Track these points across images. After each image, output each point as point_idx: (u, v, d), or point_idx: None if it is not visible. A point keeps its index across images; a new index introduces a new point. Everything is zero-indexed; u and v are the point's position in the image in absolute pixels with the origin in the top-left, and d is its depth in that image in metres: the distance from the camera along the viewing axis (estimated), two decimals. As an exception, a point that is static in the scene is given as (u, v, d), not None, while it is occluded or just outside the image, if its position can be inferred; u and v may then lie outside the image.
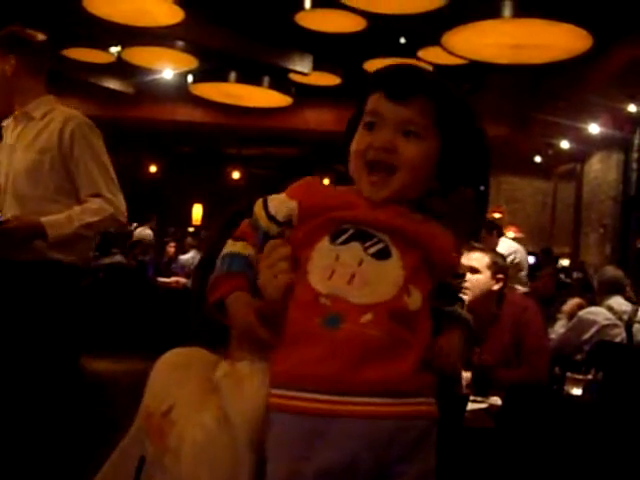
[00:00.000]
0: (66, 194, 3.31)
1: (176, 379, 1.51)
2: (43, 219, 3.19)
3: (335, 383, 1.29)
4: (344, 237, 1.38)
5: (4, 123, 3.52)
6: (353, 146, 1.47)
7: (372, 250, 1.37)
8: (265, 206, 1.44)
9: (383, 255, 1.37)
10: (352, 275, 1.35)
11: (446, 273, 1.46)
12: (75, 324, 3.36)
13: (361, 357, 1.30)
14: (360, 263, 1.36)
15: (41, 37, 3.72)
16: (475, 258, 3.70)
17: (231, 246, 1.44)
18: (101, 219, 3.29)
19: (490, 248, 5.97)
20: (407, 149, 1.42)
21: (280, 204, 1.43)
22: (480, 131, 1.57)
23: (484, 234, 7.89)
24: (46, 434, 3.04)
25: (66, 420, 3.11)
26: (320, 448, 1.29)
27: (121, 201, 3.37)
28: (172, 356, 1.57)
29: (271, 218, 1.43)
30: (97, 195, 3.30)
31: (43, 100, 3.41)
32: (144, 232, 13.09)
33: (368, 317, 1.32)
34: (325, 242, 1.38)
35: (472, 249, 3.75)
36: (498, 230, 8.13)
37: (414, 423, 1.32)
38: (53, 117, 3.35)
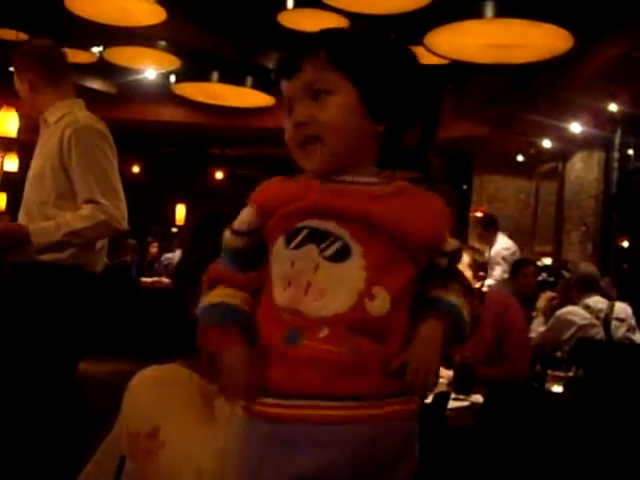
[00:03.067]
0: (67, 200, 3.28)
1: (157, 397, 1.46)
2: (31, 226, 3.19)
3: (294, 392, 1.23)
4: (298, 239, 1.28)
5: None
6: (285, 136, 1.39)
7: (328, 252, 1.26)
8: (230, 228, 1.34)
9: (341, 256, 1.26)
10: (308, 284, 1.26)
11: (431, 252, 1.33)
12: (77, 326, 3.31)
13: (323, 376, 1.22)
14: (316, 269, 1.26)
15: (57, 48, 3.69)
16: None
17: (212, 297, 1.32)
18: (90, 226, 3.20)
19: (489, 243, 6.01)
20: (321, 110, 1.33)
21: (241, 216, 1.34)
22: (404, 59, 1.41)
23: (481, 230, 7.93)
24: (32, 435, 3.02)
25: (53, 421, 3.09)
26: (292, 454, 1.23)
27: (118, 208, 3.29)
28: (149, 373, 1.53)
29: (235, 233, 1.33)
30: (90, 201, 3.23)
31: (61, 105, 3.43)
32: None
33: (325, 332, 1.24)
34: (280, 245, 1.29)
35: None
36: (495, 226, 8.16)
37: (400, 424, 1.27)
38: (62, 122, 3.35)
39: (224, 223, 1.54)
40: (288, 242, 1.28)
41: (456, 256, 1.37)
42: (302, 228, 1.28)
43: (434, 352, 1.28)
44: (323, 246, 1.27)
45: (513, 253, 8.19)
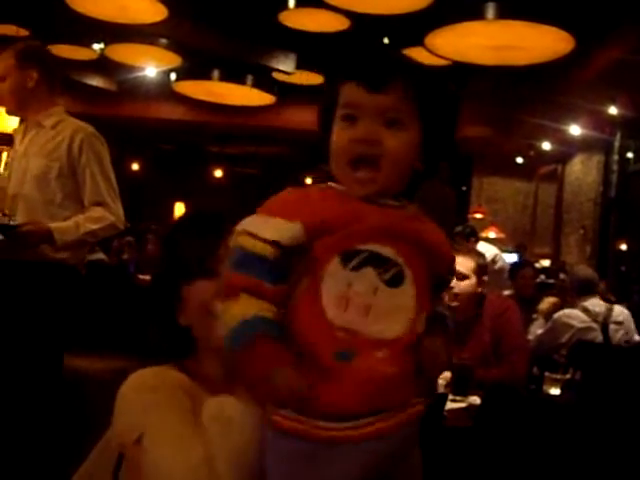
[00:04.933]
0: (73, 200, 3.46)
1: (143, 404, 1.44)
2: (52, 225, 3.33)
3: (342, 412, 1.24)
4: (357, 261, 1.28)
5: (13, 130, 3.77)
6: (334, 142, 1.36)
7: (386, 276, 1.29)
8: (255, 235, 1.26)
9: (397, 281, 1.30)
10: (368, 306, 1.27)
11: (444, 270, 1.40)
12: (69, 323, 3.45)
13: (373, 393, 1.25)
14: (375, 292, 1.28)
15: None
16: (461, 263, 3.66)
17: (245, 309, 1.23)
18: (102, 227, 3.44)
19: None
20: (391, 140, 1.32)
21: (283, 229, 1.26)
22: (456, 110, 1.47)
23: (460, 241, 7.85)
24: (26, 432, 3.04)
25: (46, 418, 3.12)
26: (325, 470, 1.25)
27: (120, 209, 3.52)
28: (138, 378, 1.51)
29: (277, 245, 1.25)
30: (100, 203, 3.45)
31: (54, 111, 3.56)
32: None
33: (383, 353, 1.27)
34: (336, 265, 1.28)
35: (457, 252, 3.71)
36: (475, 237, 8.07)
37: (413, 422, 1.31)
38: (63, 127, 3.49)
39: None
40: (345, 262, 1.28)
41: (454, 273, 1.46)
42: (361, 251, 1.29)
43: (444, 346, 1.36)
44: (381, 270, 1.29)
45: (493, 260, 8.10)
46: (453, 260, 1.42)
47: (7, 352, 3.26)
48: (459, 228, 8.10)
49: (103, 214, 3.44)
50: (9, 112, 3.80)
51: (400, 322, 1.29)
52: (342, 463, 1.26)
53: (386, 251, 1.30)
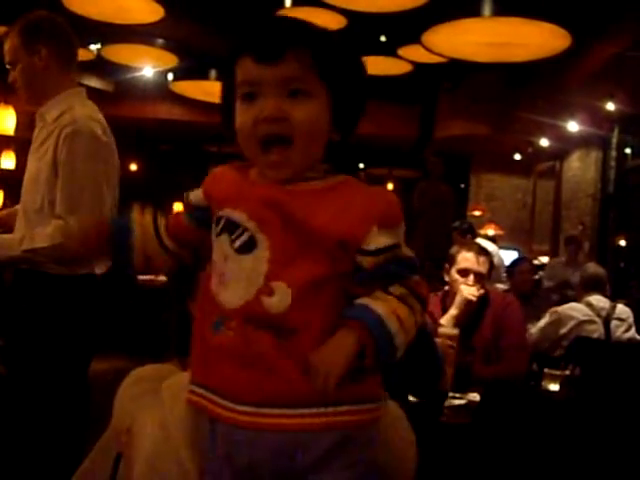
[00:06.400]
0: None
1: (136, 394, 1.49)
2: (1, 236, 2.99)
3: (221, 389, 1.22)
4: (219, 228, 1.27)
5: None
6: (239, 124, 1.29)
7: (237, 243, 1.24)
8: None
9: (246, 248, 1.22)
10: (222, 274, 1.25)
11: (349, 250, 1.24)
12: (88, 330, 3.12)
13: (232, 365, 1.20)
14: (226, 259, 1.24)
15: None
16: (482, 263, 3.69)
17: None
18: (48, 247, 2.85)
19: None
20: (299, 112, 1.24)
21: (192, 195, 1.41)
22: (362, 69, 1.36)
23: (457, 237, 7.86)
24: (35, 434, 2.97)
25: (64, 426, 3.00)
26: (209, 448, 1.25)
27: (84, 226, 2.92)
28: (137, 372, 1.55)
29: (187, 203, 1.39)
30: (59, 217, 2.89)
31: (61, 98, 3.06)
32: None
33: (232, 323, 1.22)
34: (213, 232, 1.30)
35: (480, 252, 3.72)
36: (472, 234, 8.07)
37: (323, 434, 1.22)
38: (60, 122, 2.97)
39: None
40: (215, 231, 1.29)
41: (394, 257, 1.27)
42: (222, 217, 1.27)
43: (338, 359, 1.19)
44: (234, 236, 1.24)
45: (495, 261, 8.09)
46: (355, 238, 1.24)
47: (16, 360, 3.09)
48: (456, 224, 8.11)
49: (52, 231, 2.83)
50: (26, 101, 3.16)
51: (241, 292, 1.22)
52: (221, 445, 1.23)
53: (237, 216, 1.24)
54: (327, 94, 1.28)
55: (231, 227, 1.25)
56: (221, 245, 1.25)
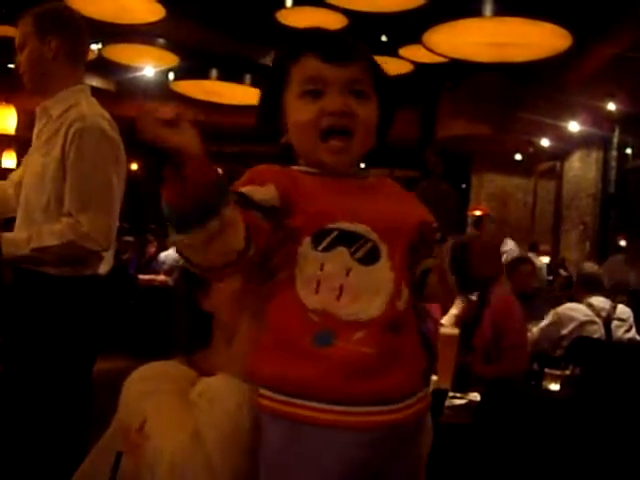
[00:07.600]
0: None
1: (145, 392, 1.48)
2: (5, 234, 2.92)
3: (332, 395, 1.23)
4: (328, 241, 1.26)
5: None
6: (298, 118, 1.35)
7: (359, 254, 1.26)
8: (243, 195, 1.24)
9: (371, 258, 1.27)
10: (340, 288, 1.25)
11: (425, 237, 1.36)
12: (91, 331, 3.03)
13: (356, 375, 1.23)
14: (348, 273, 1.25)
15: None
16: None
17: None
18: (58, 245, 2.81)
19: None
20: (362, 110, 1.35)
21: (257, 191, 1.25)
22: (396, 86, 1.51)
23: (474, 230, 7.88)
24: (37, 435, 2.96)
25: (68, 426, 2.98)
26: (320, 457, 1.23)
27: (95, 224, 2.84)
28: (143, 369, 1.54)
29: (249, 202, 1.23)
30: (68, 214, 2.83)
31: (67, 94, 2.98)
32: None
33: (361, 335, 1.24)
34: (307, 247, 1.26)
35: None
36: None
37: (412, 422, 1.30)
38: (67, 117, 2.90)
39: None
40: (316, 243, 1.27)
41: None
42: (331, 230, 1.27)
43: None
44: (354, 248, 1.27)
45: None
46: (426, 224, 1.37)
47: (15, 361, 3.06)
48: (478, 213, 8.13)
49: (62, 229, 2.80)
50: (30, 90, 3.07)
51: (376, 303, 1.26)
52: (328, 450, 1.23)
53: (357, 228, 1.27)
54: (377, 102, 1.40)
55: (348, 239, 1.27)
56: (336, 258, 1.26)
